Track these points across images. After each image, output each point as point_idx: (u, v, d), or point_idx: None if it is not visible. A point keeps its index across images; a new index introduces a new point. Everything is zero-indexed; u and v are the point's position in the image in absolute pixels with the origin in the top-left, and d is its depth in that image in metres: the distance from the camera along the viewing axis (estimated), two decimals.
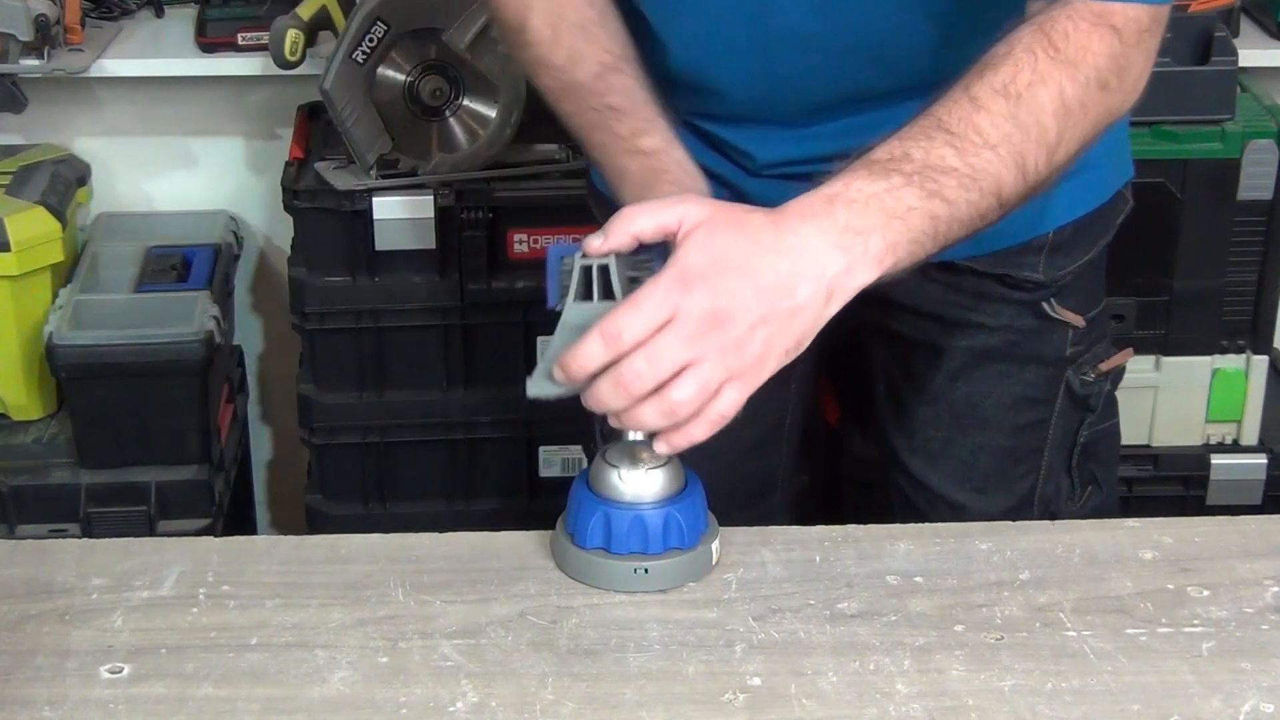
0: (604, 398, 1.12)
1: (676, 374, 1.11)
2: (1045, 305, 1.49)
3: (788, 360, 1.15)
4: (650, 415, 1.12)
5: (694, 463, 1.24)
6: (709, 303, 1.10)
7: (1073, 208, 1.46)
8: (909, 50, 1.34)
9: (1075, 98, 1.19)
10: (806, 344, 1.15)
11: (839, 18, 1.32)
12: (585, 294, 1.16)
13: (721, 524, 1.25)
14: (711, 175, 1.41)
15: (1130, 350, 1.58)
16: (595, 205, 1.54)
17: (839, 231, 1.13)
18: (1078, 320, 1.51)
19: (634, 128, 1.34)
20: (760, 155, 1.43)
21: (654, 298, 1.11)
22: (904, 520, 1.32)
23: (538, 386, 1.16)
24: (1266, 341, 2.33)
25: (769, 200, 1.21)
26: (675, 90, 1.40)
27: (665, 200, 1.18)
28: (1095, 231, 1.51)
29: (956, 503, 1.53)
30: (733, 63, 1.37)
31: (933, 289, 1.47)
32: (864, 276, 1.14)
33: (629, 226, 1.15)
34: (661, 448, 1.15)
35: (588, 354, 1.11)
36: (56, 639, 1.14)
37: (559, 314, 1.17)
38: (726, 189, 1.43)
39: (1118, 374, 1.56)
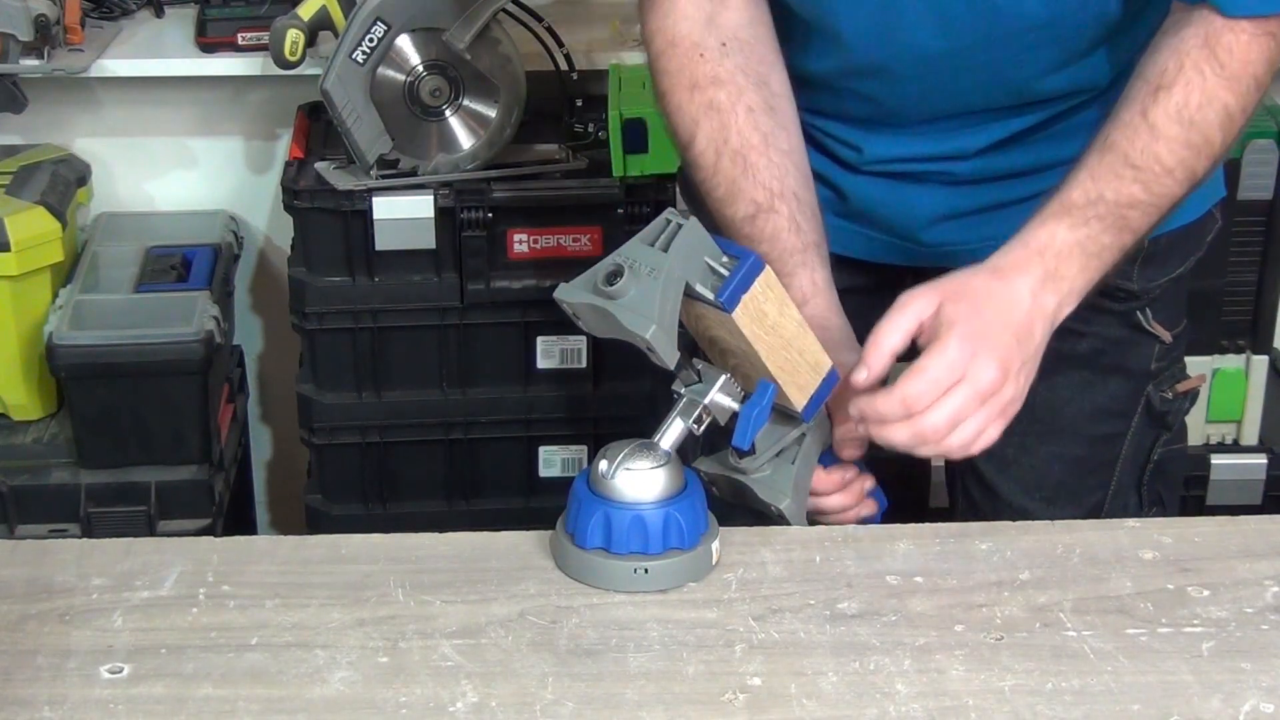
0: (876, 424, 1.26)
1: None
2: (1139, 315, 1.51)
3: None
4: (901, 434, 1.25)
5: None
6: (997, 367, 1.26)
7: (1172, 219, 1.45)
8: (1027, 71, 1.39)
9: (1237, 107, 1.31)
10: None
11: (961, 39, 1.36)
12: (651, 243, 1.22)
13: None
14: (815, 175, 1.45)
15: (1203, 375, 1.61)
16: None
17: (1048, 278, 1.30)
18: (1166, 335, 1.53)
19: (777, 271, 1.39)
20: (869, 150, 1.47)
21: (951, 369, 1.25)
22: (965, 520, 1.34)
23: (566, 293, 1.22)
24: (1266, 341, 2.33)
25: (870, 198, 1.37)
26: (805, 89, 1.45)
27: (896, 311, 1.27)
28: (1188, 245, 1.53)
29: (1024, 510, 1.53)
30: (860, 78, 1.42)
31: None
32: (1069, 308, 1.32)
33: (884, 352, 1.27)
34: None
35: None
36: (56, 639, 1.14)
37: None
38: (829, 188, 1.48)
39: (1194, 396, 1.59)
